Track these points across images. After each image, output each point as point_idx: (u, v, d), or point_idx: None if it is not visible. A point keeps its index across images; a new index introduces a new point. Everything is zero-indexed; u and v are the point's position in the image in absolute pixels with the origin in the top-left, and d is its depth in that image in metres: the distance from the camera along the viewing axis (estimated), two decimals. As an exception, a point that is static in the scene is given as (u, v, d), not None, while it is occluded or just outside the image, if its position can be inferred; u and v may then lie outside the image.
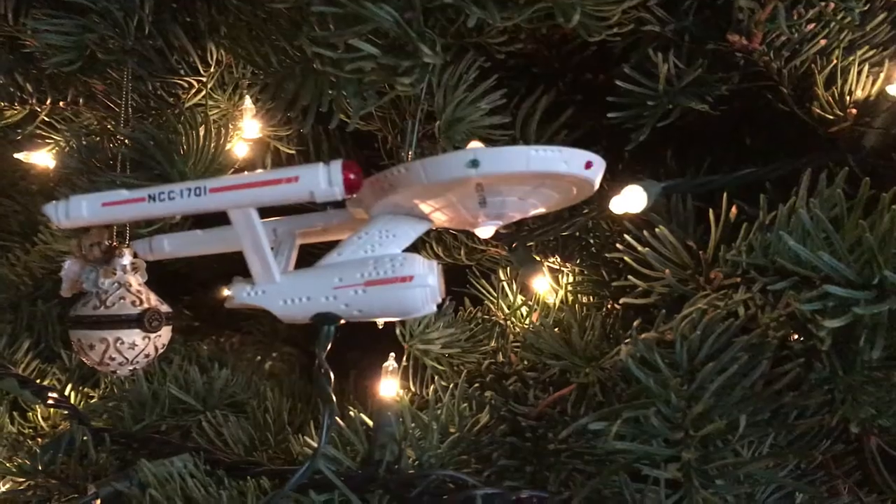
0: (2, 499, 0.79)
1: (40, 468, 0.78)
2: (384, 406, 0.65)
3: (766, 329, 0.55)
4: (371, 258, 0.52)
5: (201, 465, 0.68)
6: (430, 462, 0.63)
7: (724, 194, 0.62)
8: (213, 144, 0.80)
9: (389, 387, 0.66)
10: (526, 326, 0.77)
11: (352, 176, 0.49)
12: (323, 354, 0.54)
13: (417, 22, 0.54)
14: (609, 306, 0.73)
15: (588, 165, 0.50)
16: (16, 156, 1.02)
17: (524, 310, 0.77)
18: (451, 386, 0.69)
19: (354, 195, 0.50)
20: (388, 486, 0.61)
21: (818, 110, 0.62)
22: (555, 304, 0.77)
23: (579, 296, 0.75)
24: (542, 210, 0.55)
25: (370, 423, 0.65)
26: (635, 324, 0.58)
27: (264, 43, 0.67)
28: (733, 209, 0.61)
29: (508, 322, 0.77)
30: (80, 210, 0.51)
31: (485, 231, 0.55)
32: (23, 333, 1.01)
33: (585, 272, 0.76)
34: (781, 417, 0.54)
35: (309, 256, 0.58)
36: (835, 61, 0.62)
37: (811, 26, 0.63)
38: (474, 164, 0.47)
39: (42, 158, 1.01)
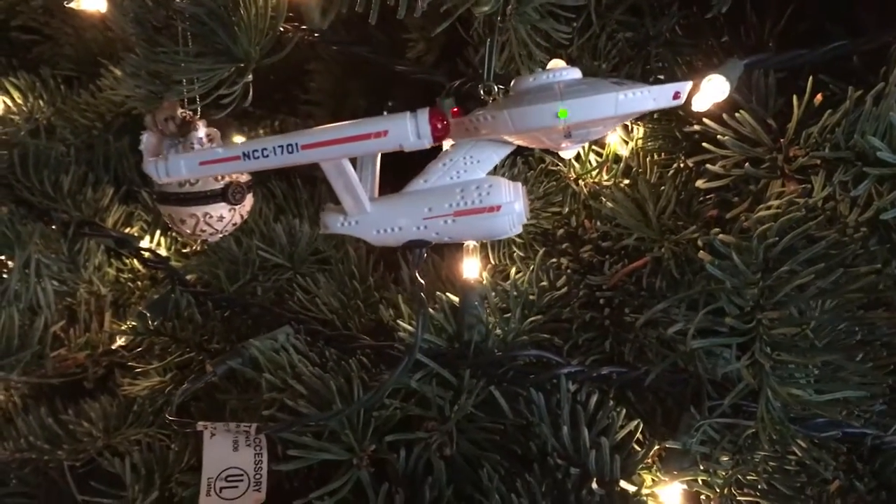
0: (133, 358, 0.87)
1: (151, 328, 0.86)
2: (469, 287, 0.68)
3: (844, 227, 0.57)
4: (458, 185, 0.54)
5: (302, 337, 0.75)
6: (515, 341, 0.68)
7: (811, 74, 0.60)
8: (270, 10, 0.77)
9: (472, 266, 0.69)
10: (596, 184, 0.77)
11: (439, 125, 0.49)
12: (416, 271, 0.57)
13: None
14: (681, 164, 0.73)
15: (676, 96, 0.49)
16: (66, 5, 0.99)
17: (595, 170, 0.77)
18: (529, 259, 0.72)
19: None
20: (476, 366, 0.66)
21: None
22: (625, 157, 0.77)
23: (651, 154, 0.75)
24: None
25: (456, 301, 0.69)
26: (714, 226, 0.60)
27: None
28: (818, 96, 0.60)
29: (581, 182, 0.78)
30: (179, 169, 0.53)
31: (568, 153, 0.55)
32: (103, 175, 1.05)
33: (656, 127, 0.75)
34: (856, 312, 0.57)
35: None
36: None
37: None
38: (562, 114, 0.47)
39: (93, 3, 0.99)
